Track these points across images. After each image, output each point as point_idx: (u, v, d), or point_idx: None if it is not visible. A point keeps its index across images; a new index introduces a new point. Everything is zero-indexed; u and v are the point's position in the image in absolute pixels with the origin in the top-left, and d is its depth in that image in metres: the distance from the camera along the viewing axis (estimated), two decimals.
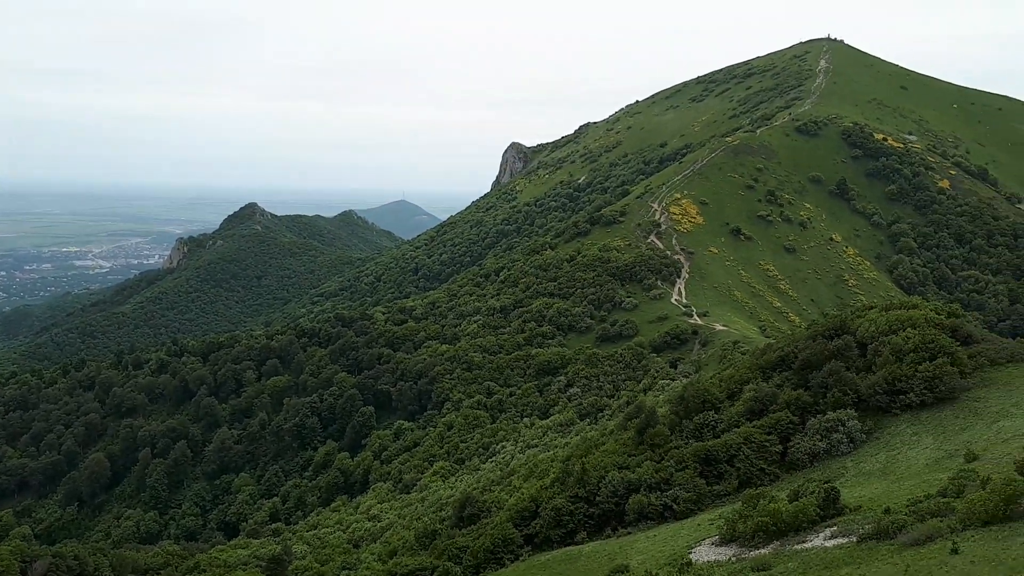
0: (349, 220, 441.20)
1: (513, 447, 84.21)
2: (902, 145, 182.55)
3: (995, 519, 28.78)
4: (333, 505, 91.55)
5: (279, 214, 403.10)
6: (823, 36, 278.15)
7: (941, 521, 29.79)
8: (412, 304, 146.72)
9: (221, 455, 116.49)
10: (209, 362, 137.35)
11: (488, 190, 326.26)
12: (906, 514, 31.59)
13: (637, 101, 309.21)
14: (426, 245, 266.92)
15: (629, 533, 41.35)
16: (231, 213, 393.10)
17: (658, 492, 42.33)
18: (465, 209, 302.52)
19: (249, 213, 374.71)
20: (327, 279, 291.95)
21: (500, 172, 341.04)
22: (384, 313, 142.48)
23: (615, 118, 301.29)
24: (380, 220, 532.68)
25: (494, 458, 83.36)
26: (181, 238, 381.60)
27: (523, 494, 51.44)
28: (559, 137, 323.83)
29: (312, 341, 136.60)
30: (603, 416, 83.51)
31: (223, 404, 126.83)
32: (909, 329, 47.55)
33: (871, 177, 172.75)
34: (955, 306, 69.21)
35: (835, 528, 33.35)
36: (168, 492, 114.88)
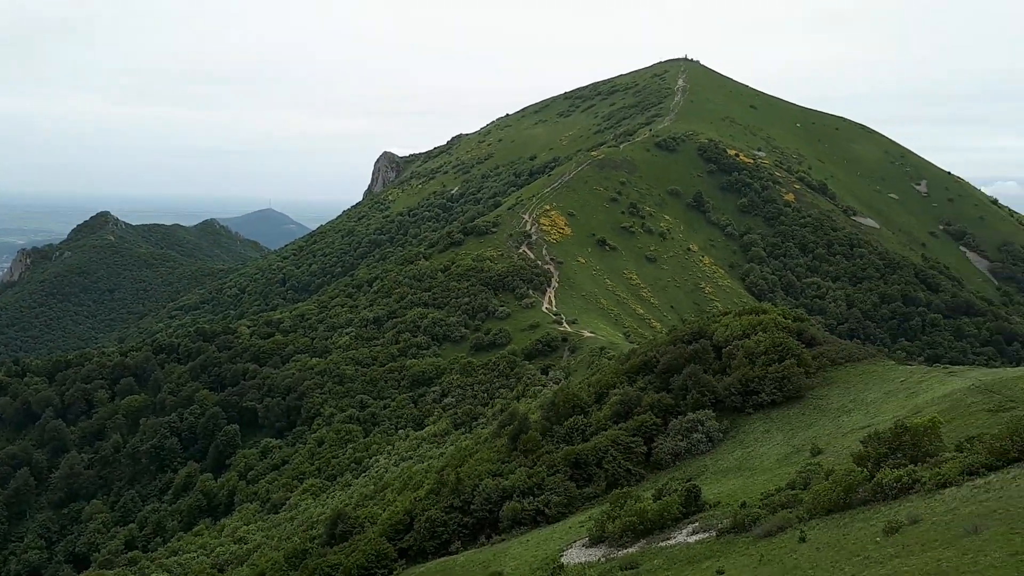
0: (211, 229, 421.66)
1: (387, 460, 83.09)
2: (752, 161, 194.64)
3: (837, 507, 31.19)
4: (196, 529, 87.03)
5: (134, 223, 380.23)
6: (681, 57, 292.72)
7: (790, 512, 31.95)
8: (280, 316, 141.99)
9: (69, 481, 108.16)
10: (56, 382, 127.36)
11: (360, 199, 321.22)
12: (760, 507, 33.67)
13: (508, 115, 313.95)
14: (294, 255, 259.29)
15: (503, 540, 41.79)
16: (81, 222, 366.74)
17: (531, 497, 43.02)
18: (336, 218, 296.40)
19: (101, 222, 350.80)
20: (187, 292, 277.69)
21: (372, 181, 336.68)
22: (249, 326, 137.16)
23: (486, 130, 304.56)
24: (245, 230, 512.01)
25: (367, 472, 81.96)
26: (23, 249, 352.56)
27: (397, 507, 50.95)
28: (432, 148, 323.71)
29: (171, 357, 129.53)
30: (477, 425, 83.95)
31: (72, 427, 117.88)
32: (760, 333, 50.78)
33: (725, 191, 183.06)
34: (800, 311, 74.62)
35: (696, 524, 35.07)
36: (8, 525, 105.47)
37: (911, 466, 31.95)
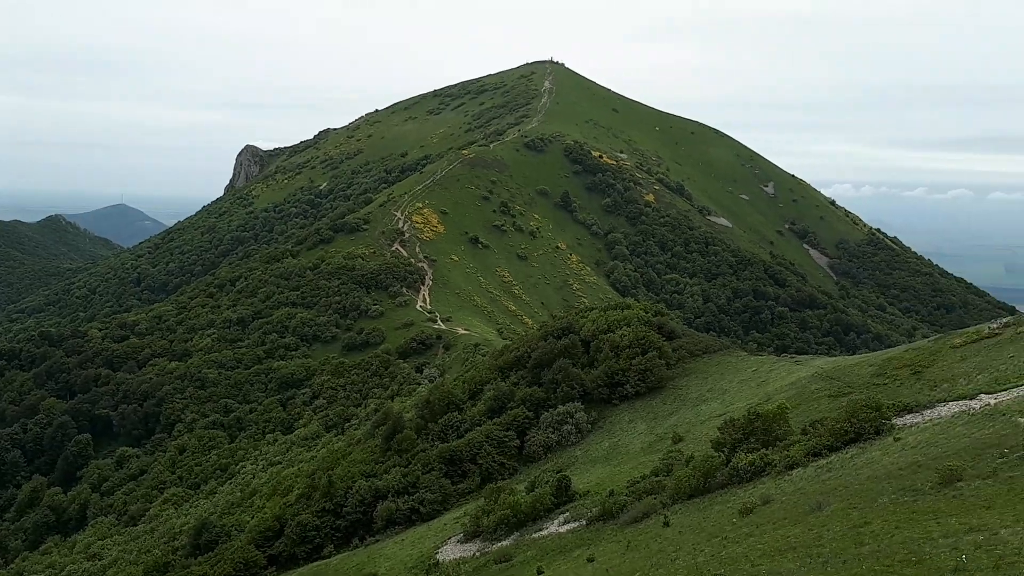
0: (56, 226, 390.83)
1: (254, 466, 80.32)
2: (615, 162, 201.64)
3: (698, 492, 33.09)
4: (43, 547, 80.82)
5: None
6: (547, 59, 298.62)
7: (655, 498, 33.59)
8: (134, 318, 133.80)
9: None
10: None
11: (221, 194, 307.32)
12: (626, 495, 35.19)
13: (377, 110, 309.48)
14: (150, 253, 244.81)
15: (378, 541, 41.55)
16: None
17: (405, 496, 43.00)
18: (195, 214, 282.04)
19: None
20: (29, 293, 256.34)
21: (234, 176, 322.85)
22: (101, 329, 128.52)
23: (355, 125, 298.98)
24: (95, 226, 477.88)
25: (234, 479, 78.90)
26: None
27: (266, 513, 49.51)
28: (298, 142, 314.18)
29: (11, 363, 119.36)
30: (350, 426, 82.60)
31: None
32: (624, 328, 52.96)
33: (590, 191, 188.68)
34: (661, 306, 78.14)
35: (568, 514, 36.22)
36: None
37: (763, 450, 34.37)
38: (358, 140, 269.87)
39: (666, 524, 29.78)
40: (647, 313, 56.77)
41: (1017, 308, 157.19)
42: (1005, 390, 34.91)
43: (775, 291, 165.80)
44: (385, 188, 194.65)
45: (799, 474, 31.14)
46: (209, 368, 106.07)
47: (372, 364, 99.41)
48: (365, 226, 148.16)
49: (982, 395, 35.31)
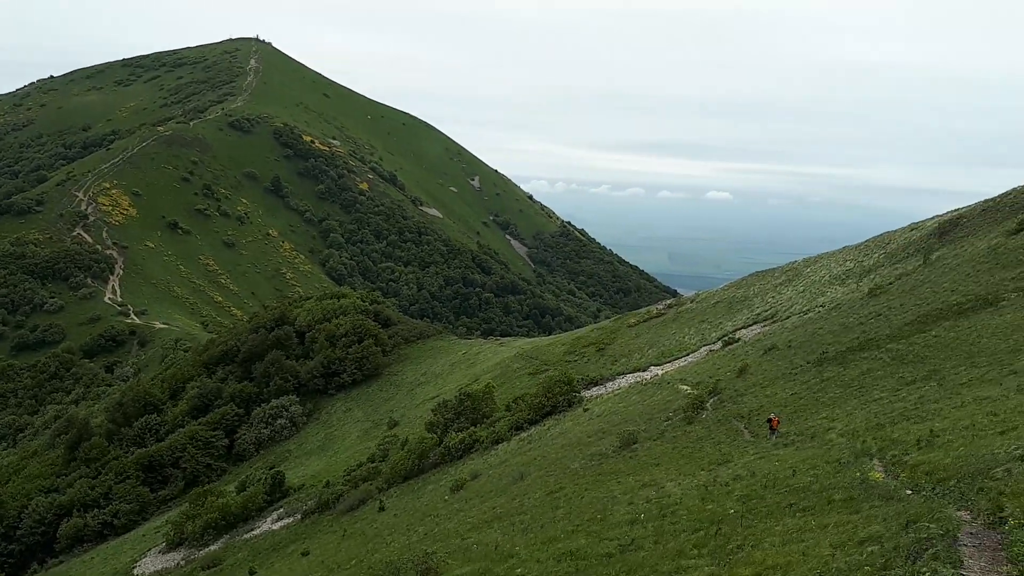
0: None
1: None
2: (328, 148, 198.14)
3: (413, 473, 34.24)
4: None
5: None
6: (252, 36, 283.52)
7: (371, 484, 34.15)
8: None
9: None
10: None
11: None
12: (343, 484, 35.34)
13: (52, 77, 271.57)
14: None
15: (62, 563, 37.30)
16: None
17: (95, 510, 39.08)
18: None
19: None
20: None
21: None
22: None
23: (25, 92, 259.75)
24: None
25: None
26: None
27: None
28: None
29: None
30: (24, 437, 72.33)
31: None
32: (341, 317, 52.80)
33: (303, 176, 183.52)
34: (377, 294, 78.87)
35: (282, 510, 35.45)
36: None
37: (472, 428, 36.51)
38: (28, 109, 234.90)
39: (382, 509, 30.46)
40: (364, 302, 57.15)
41: (679, 291, 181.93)
42: (669, 362, 40.68)
43: (482, 278, 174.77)
44: (64, 165, 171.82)
45: (504, 448, 33.61)
46: None
47: (50, 365, 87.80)
48: (38, 208, 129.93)
49: (652, 367, 40.81)
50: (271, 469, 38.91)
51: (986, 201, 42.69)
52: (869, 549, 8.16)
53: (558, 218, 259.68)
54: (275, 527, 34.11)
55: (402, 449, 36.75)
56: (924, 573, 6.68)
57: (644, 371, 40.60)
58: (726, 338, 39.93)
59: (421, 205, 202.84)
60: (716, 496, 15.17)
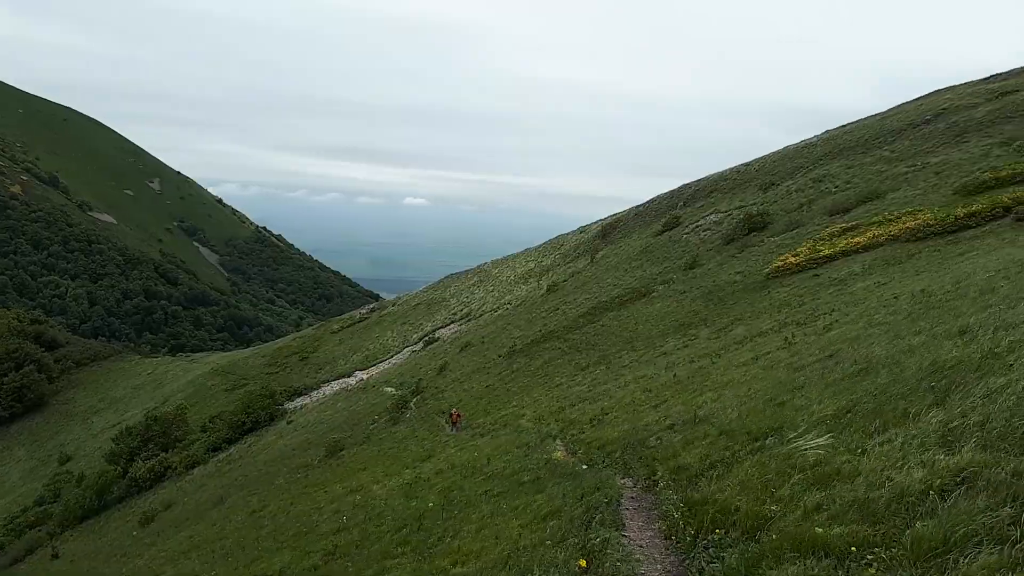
0: None
1: None
2: None
3: (92, 512, 30.72)
4: None
5: None
6: None
7: (39, 531, 30.05)
8: None
9: None
10: None
11: None
12: (4, 534, 30.66)
13: None
14: None
15: None
16: None
17: None
18: None
19: None
20: None
21: None
22: None
23: None
24: None
25: None
26: None
27: None
28: None
29: None
30: None
31: None
32: None
33: None
34: (38, 312, 69.09)
35: None
36: None
37: (163, 454, 33.70)
38: None
39: (55, 556, 27.08)
40: (21, 322, 49.84)
41: (381, 295, 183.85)
42: (374, 365, 41.20)
43: (168, 290, 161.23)
44: None
45: (201, 472, 31.58)
46: None
47: None
48: None
49: (357, 372, 41.01)
50: None
51: (638, 206, 49.33)
52: (551, 524, 9.18)
53: (252, 223, 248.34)
54: None
55: (78, 486, 32.82)
56: (593, 539, 7.71)
57: (349, 376, 40.73)
58: (427, 338, 41.47)
59: (90, 210, 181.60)
60: (419, 492, 15.82)
